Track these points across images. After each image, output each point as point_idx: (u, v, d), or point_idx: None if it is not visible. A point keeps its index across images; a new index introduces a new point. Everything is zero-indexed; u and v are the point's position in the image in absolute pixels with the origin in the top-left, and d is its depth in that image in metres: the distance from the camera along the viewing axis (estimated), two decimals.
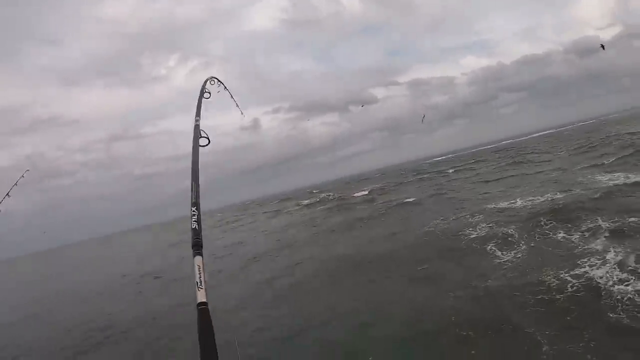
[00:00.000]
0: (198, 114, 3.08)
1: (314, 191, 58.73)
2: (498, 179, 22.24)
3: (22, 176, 7.32)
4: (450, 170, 37.24)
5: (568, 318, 6.00)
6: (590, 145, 27.19)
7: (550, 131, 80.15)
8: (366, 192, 34.05)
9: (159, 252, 29.55)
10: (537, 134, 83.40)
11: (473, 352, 5.80)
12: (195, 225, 1.89)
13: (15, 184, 7.22)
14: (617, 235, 8.51)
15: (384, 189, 35.09)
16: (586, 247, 8.39)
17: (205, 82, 4.11)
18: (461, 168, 37.20)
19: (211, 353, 1.44)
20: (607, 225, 9.18)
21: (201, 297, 1.58)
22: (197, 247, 1.79)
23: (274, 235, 22.38)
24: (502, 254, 9.47)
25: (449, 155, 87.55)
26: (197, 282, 1.63)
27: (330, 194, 42.08)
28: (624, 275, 6.70)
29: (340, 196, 36.27)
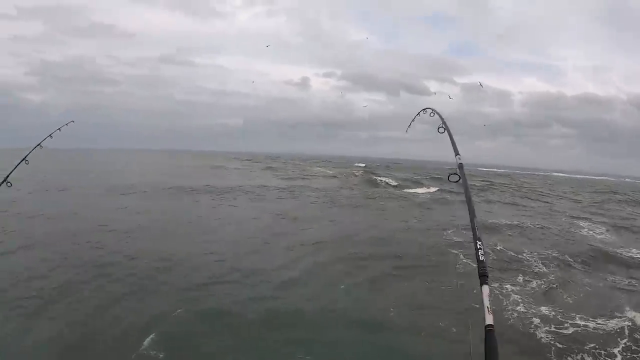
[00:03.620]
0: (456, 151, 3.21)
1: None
2: None
3: (66, 125, 7.05)
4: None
5: None
6: None
7: (603, 178, 74.44)
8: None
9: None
10: (582, 176, 78.01)
11: None
12: (482, 257, 2.01)
13: (58, 130, 6.80)
14: None
15: None
16: None
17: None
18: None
19: None
20: None
21: (489, 320, 1.67)
22: (484, 277, 1.91)
23: None
24: None
25: (492, 169, 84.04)
26: (487, 307, 1.74)
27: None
28: None
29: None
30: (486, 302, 1.80)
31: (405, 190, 26.94)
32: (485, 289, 1.87)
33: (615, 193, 34.45)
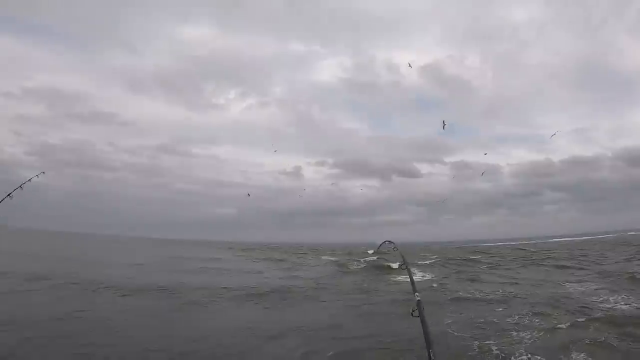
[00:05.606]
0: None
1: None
2: None
3: (37, 176, 7.39)
4: None
5: None
6: None
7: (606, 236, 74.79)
8: None
9: None
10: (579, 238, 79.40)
11: None
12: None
13: (20, 187, 6.94)
14: None
15: None
16: None
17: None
18: None
19: None
20: None
21: None
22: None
23: None
24: None
25: (498, 243, 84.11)
26: None
27: None
28: None
29: None
30: None
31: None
32: None
33: None
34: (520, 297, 14.46)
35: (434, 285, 20.02)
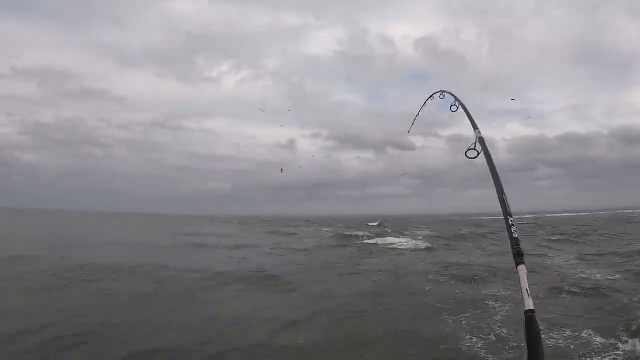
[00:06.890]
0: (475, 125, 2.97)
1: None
2: None
3: None
4: None
5: None
6: None
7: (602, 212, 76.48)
8: None
9: None
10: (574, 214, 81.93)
11: None
12: (515, 234, 1.88)
13: None
14: None
15: None
16: None
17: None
18: None
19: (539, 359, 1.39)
20: None
21: (529, 304, 1.52)
22: (519, 256, 1.76)
23: None
24: None
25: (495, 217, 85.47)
26: (526, 290, 1.59)
27: None
28: None
29: None
30: (524, 284, 1.66)
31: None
32: (522, 269, 1.73)
33: None
34: (503, 269, 15.09)
35: (423, 254, 20.75)
